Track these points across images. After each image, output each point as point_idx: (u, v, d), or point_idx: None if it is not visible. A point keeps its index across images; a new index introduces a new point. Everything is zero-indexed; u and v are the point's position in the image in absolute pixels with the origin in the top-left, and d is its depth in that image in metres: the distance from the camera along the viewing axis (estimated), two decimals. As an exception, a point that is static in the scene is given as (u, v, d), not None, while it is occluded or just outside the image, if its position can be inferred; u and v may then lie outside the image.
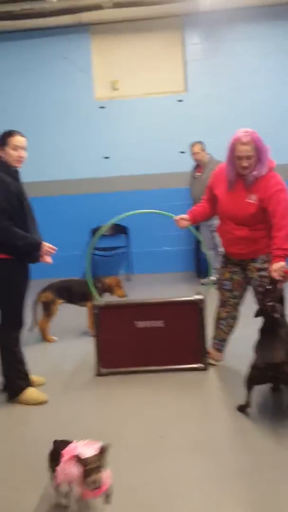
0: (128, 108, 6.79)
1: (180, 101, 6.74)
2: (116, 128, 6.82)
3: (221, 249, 3.73)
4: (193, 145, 5.99)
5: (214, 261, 5.46)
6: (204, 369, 3.65)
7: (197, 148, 5.94)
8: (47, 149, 6.79)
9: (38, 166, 6.52)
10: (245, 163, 3.15)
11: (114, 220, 4.07)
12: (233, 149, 3.16)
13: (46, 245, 3.24)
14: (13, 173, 3.20)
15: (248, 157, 3.13)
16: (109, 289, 4.63)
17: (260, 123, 6.31)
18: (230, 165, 3.23)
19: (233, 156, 3.17)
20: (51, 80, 6.79)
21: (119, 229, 6.84)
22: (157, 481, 2.43)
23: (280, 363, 2.77)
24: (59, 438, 2.29)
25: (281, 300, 3.14)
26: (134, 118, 6.78)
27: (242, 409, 2.98)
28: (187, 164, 6.21)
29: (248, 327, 3.26)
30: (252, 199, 3.21)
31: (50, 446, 2.26)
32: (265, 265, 3.27)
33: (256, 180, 3.19)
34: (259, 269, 3.33)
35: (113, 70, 6.80)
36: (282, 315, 3.12)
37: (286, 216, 3.13)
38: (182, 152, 6.36)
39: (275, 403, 3.09)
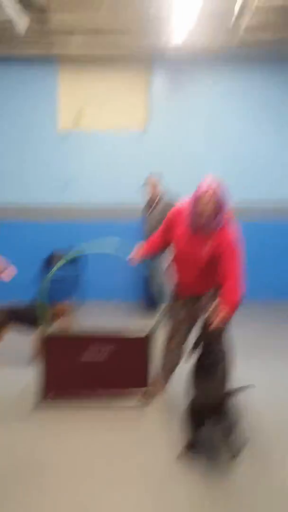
0: (90, 140, 6.88)
1: (141, 137, 6.88)
2: (77, 159, 6.88)
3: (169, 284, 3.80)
4: (148, 178, 6.05)
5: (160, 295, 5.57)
6: (146, 403, 3.63)
7: (151, 182, 6.01)
8: (6, 172, 6.77)
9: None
10: (203, 220, 3.25)
11: (75, 253, 4.12)
12: (195, 203, 3.25)
13: None
14: None
15: (208, 215, 3.23)
16: (58, 316, 4.55)
17: (218, 166, 6.65)
18: (191, 216, 3.32)
19: (195, 209, 3.26)
20: (17, 106, 6.81)
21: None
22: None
23: (218, 402, 2.78)
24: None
25: (219, 337, 3.23)
26: (95, 150, 6.87)
27: (190, 447, 2.93)
28: (143, 199, 6.28)
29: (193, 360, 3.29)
30: (207, 247, 3.32)
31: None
32: (211, 301, 3.35)
33: (213, 230, 3.30)
34: (206, 304, 3.40)
35: (78, 102, 6.90)
36: (221, 350, 3.20)
37: (237, 271, 3.26)
38: (141, 187, 6.45)
39: (212, 441, 3.08)
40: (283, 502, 2.55)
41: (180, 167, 6.76)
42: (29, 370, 4.05)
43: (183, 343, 3.65)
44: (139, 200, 6.36)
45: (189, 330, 3.63)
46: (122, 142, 6.87)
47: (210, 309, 3.22)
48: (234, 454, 2.91)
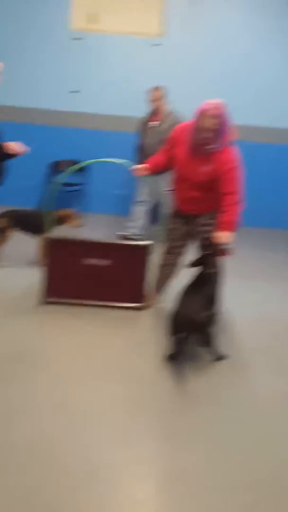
0: (104, 44, 6.65)
1: (157, 45, 6.66)
2: (89, 63, 6.71)
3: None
4: (153, 90, 5.44)
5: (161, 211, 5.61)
6: (142, 309, 3.93)
7: (157, 94, 5.41)
8: (13, 73, 6.60)
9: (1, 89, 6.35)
10: (206, 135, 3.28)
11: (83, 163, 4.20)
12: (198, 118, 3.27)
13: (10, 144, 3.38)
14: None
15: (211, 130, 3.26)
16: (64, 220, 4.67)
17: (230, 81, 6.51)
18: (193, 132, 3.35)
19: (197, 124, 3.29)
20: (26, 3, 6.52)
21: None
22: (79, 403, 2.73)
23: (195, 318, 2.98)
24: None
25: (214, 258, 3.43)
26: (109, 55, 6.67)
27: (172, 357, 3.16)
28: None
29: (187, 276, 3.52)
30: (207, 168, 3.39)
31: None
32: (210, 221, 3.53)
33: (213, 152, 3.35)
34: (204, 224, 3.58)
35: (92, 2, 6.59)
36: (215, 272, 3.42)
37: (236, 193, 3.35)
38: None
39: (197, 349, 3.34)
40: (251, 411, 2.83)
41: (194, 81, 6.61)
42: (35, 271, 4.30)
43: (178, 259, 3.84)
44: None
45: (185, 247, 3.82)
46: (138, 48, 6.65)
47: (209, 233, 3.39)
48: (213, 361, 3.20)
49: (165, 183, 5.48)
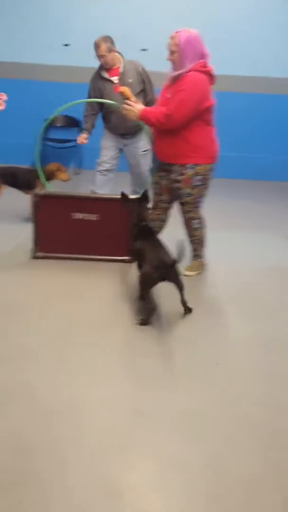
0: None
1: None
2: (79, 15, 6.57)
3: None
4: (98, 44, 4.30)
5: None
6: (130, 261, 4.02)
7: (103, 49, 4.29)
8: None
9: None
10: (168, 56, 3.34)
11: (61, 108, 4.14)
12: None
13: None
14: None
15: (170, 52, 3.32)
16: (51, 175, 4.66)
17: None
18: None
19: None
20: None
21: (72, 122, 6.82)
22: (60, 350, 2.86)
23: (171, 263, 3.03)
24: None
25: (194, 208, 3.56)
26: (98, 6, 6.53)
27: (145, 322, 3.12)
28: (148, 62, 5.95)
29: (176, 228, 3.58)
30: (170, 94, 3.40)
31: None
32: (179, 177, 3.57)
33: (177, 78, 3.37)
34: (175, 181, 3.61)
35: None
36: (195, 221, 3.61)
37: (169, 110, 3.31)
38: (144, 50, 6.24)
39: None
40: (233, 349, 2.98)
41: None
42: (27, 227, 4.38)
43: (164, 215, 3.87)
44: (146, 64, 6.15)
45: (169, 201, 3.82)
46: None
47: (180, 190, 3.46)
48: (186, 311, 3.27)
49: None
